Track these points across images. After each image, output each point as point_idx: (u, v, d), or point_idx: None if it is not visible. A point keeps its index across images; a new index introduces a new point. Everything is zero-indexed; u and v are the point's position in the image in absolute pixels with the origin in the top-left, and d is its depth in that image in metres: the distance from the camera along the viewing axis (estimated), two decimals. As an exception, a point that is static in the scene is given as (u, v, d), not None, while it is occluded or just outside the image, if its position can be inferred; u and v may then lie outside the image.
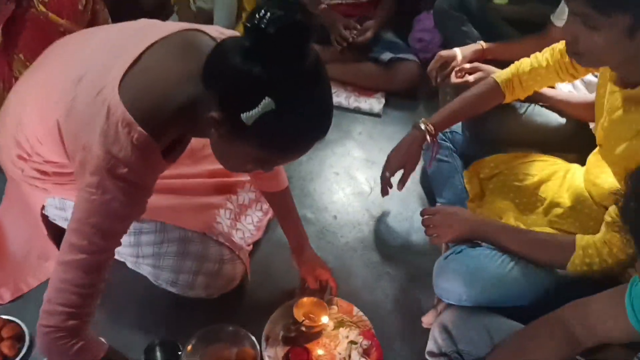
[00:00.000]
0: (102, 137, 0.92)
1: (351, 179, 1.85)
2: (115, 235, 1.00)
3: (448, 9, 2.00)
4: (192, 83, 0.92)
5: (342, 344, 1.39)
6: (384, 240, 1.66)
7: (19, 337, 1.32)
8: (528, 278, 1.25)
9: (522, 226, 1.41)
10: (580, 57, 1.14)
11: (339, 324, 1.43)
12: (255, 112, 0.84)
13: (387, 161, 1.56)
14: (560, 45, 1.42)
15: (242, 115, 0.84)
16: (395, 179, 1.55)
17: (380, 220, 1.73)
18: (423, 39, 2.30)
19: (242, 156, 0.95)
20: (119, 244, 1.02)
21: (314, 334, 1.39)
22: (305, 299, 1.40)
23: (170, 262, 1.32)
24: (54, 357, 1.02)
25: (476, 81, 1.69)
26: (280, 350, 1.35)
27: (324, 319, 1.38)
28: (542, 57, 1.45)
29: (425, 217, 1.41)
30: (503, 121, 1.62)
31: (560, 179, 1.53)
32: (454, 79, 1.75)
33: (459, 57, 1.77)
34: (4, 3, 1.61)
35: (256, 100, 0.83)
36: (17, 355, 1.29)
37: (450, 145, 1.72)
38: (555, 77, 1.43)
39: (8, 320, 1.33)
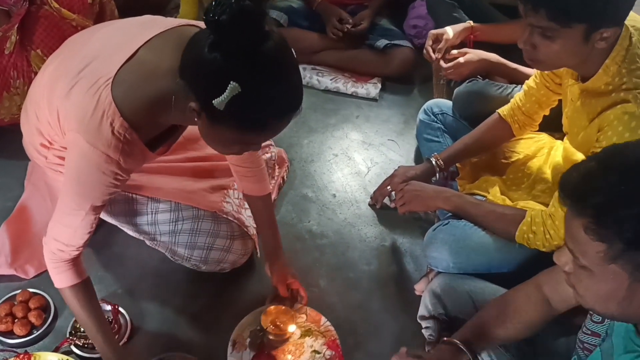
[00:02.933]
0: (86, 126, 1.02)
1: (349, 160, 1.95)
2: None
3: (440, -3, 2.08)
4: (176, 76, 1.00)
5: (306, 353, 1.40)
6: (379, 217, 1.77)
7: (44, 308, 1.44)
8: (510, 246, 1.36)
9: (508, 201, 1.51)
10: (540, 64, 1.24)
11: (306, 332, 1.44)
12: (223, 97, 0.90)
13: (392, 177, 1.67)
14: None
15: (213, 102, 0.91)
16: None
17: (377, 198, 1.83)
18: (417, 25, 2.39)
19: (226, 139, 1.03)
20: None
21: (280, 342, 1.40)
22: (273, 307, 1.41)
23: (185, 239, 1.43)
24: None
25: (467, 62, 1.78)
26: (246, 356, 1.37)
27: (291, 328, 1.39)
28: (531, 78, 1.51)
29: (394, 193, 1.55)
30: (490, 101, 1.70)
31: (545, 156, 1.62)
32: (444, 64, 1.84)
33: (450, 33, 1.84)
34: (20, 3, 1.70)
35: (223, 86, 0.89)
36: (43, 324, 1.41)
37: (441, 126, 1.82)
38: (547, 92, 1.47)
39: (35, 292, 1.45)
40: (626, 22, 1.19)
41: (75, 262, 1.18)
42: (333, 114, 2.14)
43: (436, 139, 1.84)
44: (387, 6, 2.40)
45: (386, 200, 1.72)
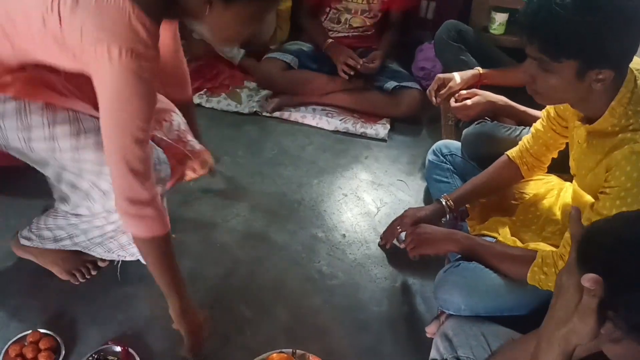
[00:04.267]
0: (118, 32, 1.00)
1: (359, 200, 1.96)
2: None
3: (447, 40, 2.12)
4: None
5: (310, 401, 1.37)
6: (389, 257, 1.77)
7: (55, 350, 1.43)
8: (522, 288, 1.35)
9: (518, 242, 1.51)
10: (539, 96, 1.27)
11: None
12: None
13: (402, 217, 1.68)
14: (549, 106, 1.50)
15: None
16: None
17: (387, 239, 1.83)
18: (425, 67, 2.43)
19: (242, 20, 1.07)
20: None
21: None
22: (276, 355, 1.38)
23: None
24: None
25: (474, 104, 1.81)
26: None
27: None
28: (538, 121, 1.53)
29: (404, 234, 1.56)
30: (499, 143, 1.72)
31: (554, 197, 1.63)
32: (453, 103, 1.87)
33: (457, 80, 1.88)
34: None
35: None
36: (53, 365, 1.41)
37: (450, 166, 1.84)
38: (554, 135, 1.49)
39: (45, 333, 1.45)
40: (631, 65, 1.22)
41: (160, 206, 1.19)
42: (343, 154, 2.17)
43: (445, 179, 1.85)
44: (396, 49, 2.46)
45: (395, 242, 1.72)
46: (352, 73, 2.30)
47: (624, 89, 1.20)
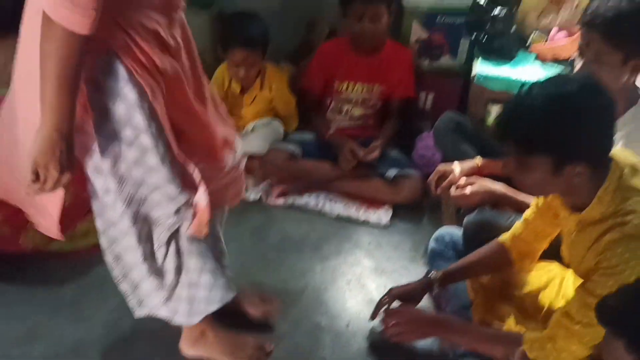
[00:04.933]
0: None
1: (362, 288, 1.97)
2: None
3: (446, 130, 2.20)
4: None
5: None
6: (394, 346, 1.74)
7: None
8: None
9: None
10: (527, 189, 1.35)
11: None
12: None
13: (389, 292, 1.71)
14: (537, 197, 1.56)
15: None
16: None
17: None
18: (425, 155, 2.50)
19: None
20: None
21: None
22: None
23: None
24: None
25: (472, 194, 1.85)
26: None
27: None
28: (529, 209, 1.58)
29: (386, 317, 1.58)
30: (499, 231, 1.74)
31: (557, 286, 1.64)
32: (453, 192, 1.91)
33: (457, 170, 1.93)
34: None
35: None
36: None
37: (453, 254, 1.85)
38: (542, 224, 1.53)
39: None
40: (619, 159, 1.28)
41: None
42: (346, 240, 2.19)
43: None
44: (396, 137, 2.54)
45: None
46: (353, 164, 2.37)
47: (609, 180, 1.26)
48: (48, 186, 1.15)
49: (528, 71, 2.26)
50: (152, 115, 1.20)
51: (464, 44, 2.53)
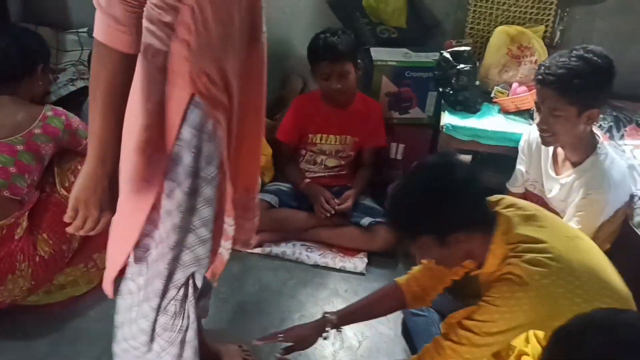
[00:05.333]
0: None
1: (340, 334, 1.98)
2: None
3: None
4: None
5: None
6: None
7: None
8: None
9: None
10: (437, 263, 1.53)
11: None
12: None
13: (290, 329, 1.72)
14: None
15: None
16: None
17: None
18: (398, 203, 2.58)
19: None
20: None
21: None
22: None
23: None
24: None
25: None
26: None
27: None
28: None
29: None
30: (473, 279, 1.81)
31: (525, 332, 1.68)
32: None
33: None
34: (32, 192, 1.85)
35: None
36: None
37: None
38: (441, 269, 1.60)
39: None
40: (502, 210, 1.42)
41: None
42: (322, 288, 2.22)
43: (422, 312, 1.91)
44: (369, 186, 2.62)
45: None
46: (328, 214, 2.42)
47: (496, 235, 1.38)
48: (88, 227, 1.14)
49: (492, 122, 2.39)
50: (222, 168, 1.18)
51: (432, 97, 2.65)
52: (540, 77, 1.71)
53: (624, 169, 1.89)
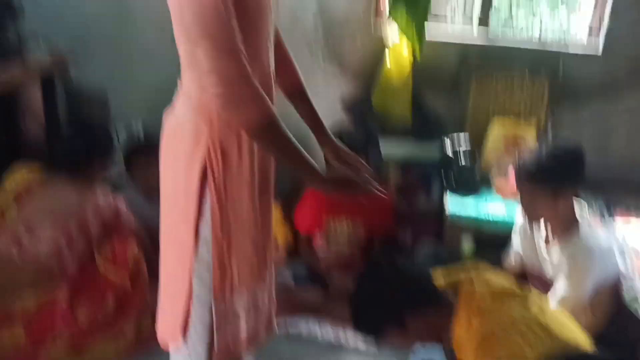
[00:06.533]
0: None
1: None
2: None
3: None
4: None
5: None
6: None
7: None
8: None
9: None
10: None
11: None
12: None
13: None
14: None
15: None
16: None
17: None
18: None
19: None
20: None
21: None
22: None
23: None
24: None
25: None
26: None
27: None
28: None
29: None
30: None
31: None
32: None
33: None
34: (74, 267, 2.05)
35: None
36: None
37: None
38: None
39: None
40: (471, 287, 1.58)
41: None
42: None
43: None
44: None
45: None
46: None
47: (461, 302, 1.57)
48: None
49: (492, 206, 2.60)
50: None
51: (436, 185, 2.88)
52: (518, 174, 1.96)
53: (607, 240, 2.07)
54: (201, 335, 1.43)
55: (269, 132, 1.26)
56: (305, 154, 1.31)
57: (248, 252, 1.49)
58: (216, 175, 1.34)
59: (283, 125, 1.27)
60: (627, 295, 2.07)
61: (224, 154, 1.34)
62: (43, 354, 1.93)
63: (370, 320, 1.61)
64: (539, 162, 1.91)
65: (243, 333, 1.51)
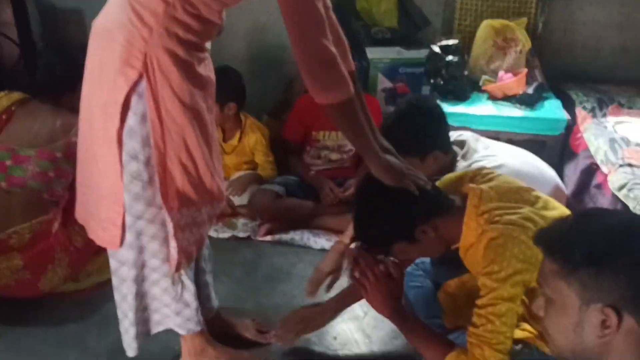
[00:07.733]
0: None
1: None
2: None
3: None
4: None
5: None
6: (379, 355, 1.93)
7: None
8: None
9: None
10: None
11: None
12: None
13: (316, 270, 1.95)
14: None
15: None
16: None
17: (375, 339, 2.03)
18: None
19: None
20: None
21: None
22: None
23: None
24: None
25: None
26: None
27: None
28: None
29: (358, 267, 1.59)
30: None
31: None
32: None
33: None
34: (66, 192, 2.05)
35: None
36: None
37: (422, 273, 2.05)
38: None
39: None
40: (478, 186, 1.48)
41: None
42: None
43: (419, 284, 2.06)
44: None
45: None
46: (334, 202, 2.61)
47: (468, 210, 1.44)
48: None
49: (482, 108, 2.57)
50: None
51: (425, 90, 2.84)
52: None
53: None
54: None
55: (348, 109, 1.37)
56: (369, 132, 1.43)
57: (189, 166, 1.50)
58: (153, 84, 1.36)
59: (357, 104, 1.39)
60: (612, 184, 2.12)
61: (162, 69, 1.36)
62: (43, 279, 1.98)
63: (378, 235, 1.50)
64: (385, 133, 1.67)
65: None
